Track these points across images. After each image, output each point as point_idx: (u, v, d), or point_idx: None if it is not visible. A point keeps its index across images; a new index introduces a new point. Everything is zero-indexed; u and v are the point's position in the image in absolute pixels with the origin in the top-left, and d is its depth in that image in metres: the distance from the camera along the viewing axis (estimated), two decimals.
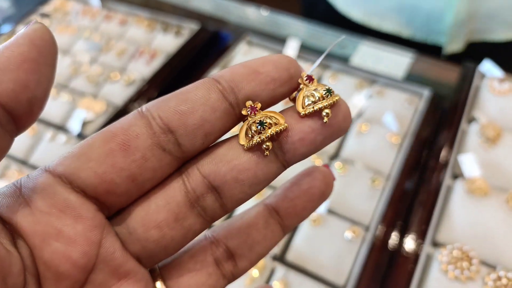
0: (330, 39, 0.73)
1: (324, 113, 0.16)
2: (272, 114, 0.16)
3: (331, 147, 0.64)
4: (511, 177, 0.56)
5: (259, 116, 0.16)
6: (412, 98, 0.67)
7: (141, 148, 0.15)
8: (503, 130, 0.60)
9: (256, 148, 0.16)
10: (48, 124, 0.71)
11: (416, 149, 0.61)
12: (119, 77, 0.76)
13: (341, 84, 0.70)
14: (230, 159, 0.16)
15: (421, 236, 0.51)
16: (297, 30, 0.79)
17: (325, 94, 0.16)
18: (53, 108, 0.71)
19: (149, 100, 0.68)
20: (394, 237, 0.52)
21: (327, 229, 0.56)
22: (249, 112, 0.16)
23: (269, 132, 0.16)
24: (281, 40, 0.75)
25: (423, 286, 0.48)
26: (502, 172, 0.56)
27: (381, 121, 0.65)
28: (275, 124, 0.16)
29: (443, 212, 0.54)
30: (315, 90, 0.17)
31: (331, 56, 0.73)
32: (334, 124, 0.16)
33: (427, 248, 0.51)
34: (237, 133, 0.17)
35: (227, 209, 0.17)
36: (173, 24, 0.84)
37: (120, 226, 0.16)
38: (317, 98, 0.16)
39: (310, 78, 0.17)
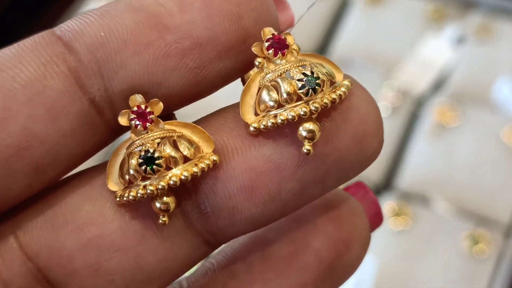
0: None
1: (303, 132, 0.11)
2: (186, 132, 0.12)
3: (372, 168, 0.38)
4: None
5: (154, 135, 0.12)
6: None
7: None
8: None
9: (141, 204, 0.13)
10: None
11: None
12: None
13: (395, 14, 0.55)
14: (85, 223, 0.12)
15: None
16: None
17: (302, 88, 0.11)
18: None
19: None
20: None
21: None
22: (133, 124, 0.12)
23: (169, 179, 0.11)
24: None
25: None
26: None
27: (488, 98, 0.48)
28: (186, 158, 0.12)
29: None
30: (284, 73, 0.12)
31: None
32: (328, 155, 0.12)
33: None
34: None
35: None
36: None
37: None
38: (283, 95, 0.11)
39: (277, 45, 0.12)
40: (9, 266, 0.12)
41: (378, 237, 0.43)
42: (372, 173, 0.47)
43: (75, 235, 0.12)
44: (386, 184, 0.48)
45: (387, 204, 0.46)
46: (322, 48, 0.49)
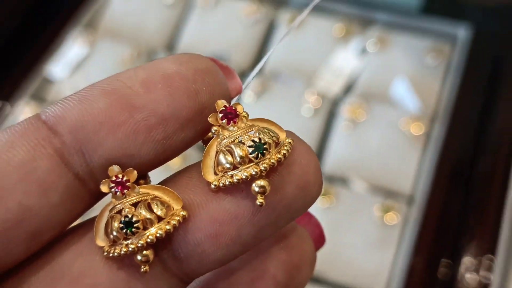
0: None
1: (256, 188, 0.12)
2: (158, 194, 0.13)
3: None
4: None
5: (132, 200, 0.13)
6: (440, 45, 0.54)
7: None
8: None
9: (125, 257, 0.13)
10: None
11: (457, 140, 0.48)
12: None
13: (310, 35, 0.57)
14: (78, 276, 0.13)
15: None
16: None
17: (252, 153, 0.12)
18: None
19: None
20: None
21: None
22: (113, 191, 0.13)
23: (146, 238, 0.12)
24: None
25: None
26: None
27: (388, 96, 0.52)
28: (159, 218, 0.12)
29: None
30: (238, 140, 0.13)
31: None
32: (278, 203, 0.13)
33: None
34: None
35: None
36: None
37: None
38: (237, 159, 0.12)
39: (229, 114, 0.13)
40: None
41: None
42: None
43: (72, 287, 0.12)
44: None
45: None
46: (256, 63, 0.52)
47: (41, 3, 0.59)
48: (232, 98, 0.13)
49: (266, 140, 0.12)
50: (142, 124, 0.12)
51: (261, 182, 0.12)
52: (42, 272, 0.13)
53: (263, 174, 0.12)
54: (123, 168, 0.12)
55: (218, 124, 0.12)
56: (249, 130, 0.12)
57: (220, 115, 0.12)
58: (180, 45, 0.57)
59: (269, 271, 0.14)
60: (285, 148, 0.12)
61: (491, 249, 0.41)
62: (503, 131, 0.46)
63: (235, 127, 0.12)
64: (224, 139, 0.12)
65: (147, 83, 0.12)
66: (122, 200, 0.12)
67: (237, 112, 0.12)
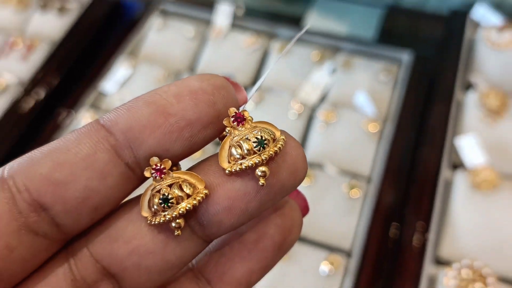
0: None
1: (258, 173, 0.12)
2: (187, 177, 0.13)
3: None
4: None
5: (167, 182, 0.12)
6: (389, 67, 0.55)
7: (2, 235, 0.12)
8: (509, 97, 0.49)
9: (163, 224, 0.13)
10: None
11: (402, 136, 0.48)
12: None
13: (294, 59, 0.57)
14: (129, 238, 0.13)
15: (420, 254, 0.40)
16: None
17: (256, 147, 0.12)
18: None
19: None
20: (385, 261, 0.42)
21: (297, 264, 0.45)
22: (153, 176, 0.12)
23: (179, 210, 0.12)
24: (208, 5, 0.59)
25: None
26: None
27: (352, 104, 0.53)
28: (188, 195, 0.12)
29: (444, 217, 0.44)
30: (245, 137, 0.12)
31: (278, 19, 0.60)
32: (275, 184, 0.13)
33: (428, 268, 0.41)
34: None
35: None
36: None
37: None
38: (245, 151, 0.12)
39: (239, 118, 0.13)
40: (85, 267, 0.13)
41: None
42: None
43: (124, 246, 0.13)
44: None
45: None
46: (255, 81, 0.55)
47: (97, 37, 0.59)
48: (240, 106, 0.13)
49: (266, 137, 0.12)
50: (175, 126, 0.12)
51: (262, 168, 0.12)
52: (103, 235, 0.13)
53: (264, 162, 0.12)
54: (161, 158, 0.12)
55: (231, 126, 0.13)
56: (253, 130, 0.12)
57: (232, 119, 0.12)
58: (199, 68, 0.58)
59: (268, 233, 0.14)
60: (280, 143, 0.12)
61: (428, 215, 0.41)
62: (436, 129, 0.46)
63: (243, 128, 0.12)
64: (235, 137, 0.12)
65: (178, 96, 0.12)
66: (160, 183, 0.12)
67: (245, 117, 0.12)
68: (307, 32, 0.59)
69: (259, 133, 0.12)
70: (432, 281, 0.41)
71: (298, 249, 0.45)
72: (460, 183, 0.44)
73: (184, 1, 0.61)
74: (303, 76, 0.54)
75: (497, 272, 0.40)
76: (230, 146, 0.12)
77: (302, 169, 0.13)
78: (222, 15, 0.57)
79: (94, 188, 0.12)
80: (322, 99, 0.54)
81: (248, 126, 0.12)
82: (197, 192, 0.12)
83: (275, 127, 0.13)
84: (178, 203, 0.12)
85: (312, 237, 0.45)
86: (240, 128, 0.12)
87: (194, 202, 0.12)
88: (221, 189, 0.12)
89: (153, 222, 0.12)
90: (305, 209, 0.15)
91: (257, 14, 0.61)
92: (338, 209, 0.46)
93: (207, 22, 0.59)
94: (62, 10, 0.59)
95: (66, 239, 0.13)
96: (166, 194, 0.12)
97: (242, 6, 0.60)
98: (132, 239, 0.13)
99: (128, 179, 0.13)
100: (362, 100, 0.51)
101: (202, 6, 0.59)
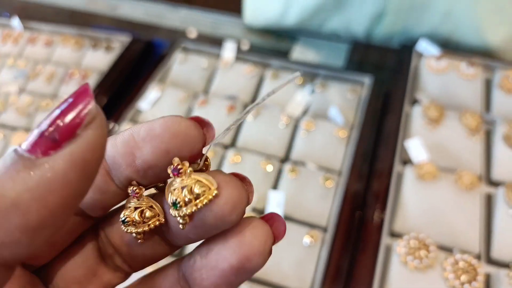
0: (272, 36, 0.60)
1: (179, 219, 0.11)
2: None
3: (279, 150, 0.51)
4: (456, 156, 0.46)
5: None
6: (354, 87, 0.55)
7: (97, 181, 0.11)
8: (445, 109, 0.51)
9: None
10: None
11: (364, 140, 0.49)
12: (52, 105, 0.55)
13: (282, 83, 0.54)
14: None
15: (378, 229, 0.41)
16: (235, 31, 0.64)
17: (176, 200, 0.11)
18: None
19: None
20: (352, 234, 0.42)
21: (285, 237, 0.43)
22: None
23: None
24: (218, 43, 0.59)
25: (385, 280, 0.40)
26: (448, 152, 0.46)
27: (327, 116, 0.53)
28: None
29: (396, 201, 0.43)
30: (178, 187, 0.11)
31: (271, 53, 0.62)
32: (206, 219, 0.11)
33: (385, 239, 0.42)
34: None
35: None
36: (102, 38, 0.61)
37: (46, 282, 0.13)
38: (173, 200, 0.11)
39: (174, 172, 0.11)
40: (105, 241, 0.13)
41: (284, 183, 0.45)
42: (278, 152, 0.49)
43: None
44: (286, 157, 0.49)
45: (287, 167, 0.47)
46: (254, 99, 0.56)
47: (134, 68, 0.61)
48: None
49: (195, 190, 0.10)
50: (140, 167, 0.11)
51: (183, 214, 0.11)
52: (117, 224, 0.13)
53: (184, 216, 0.11)
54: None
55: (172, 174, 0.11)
56: (185, 184, 0.11)
57: (170, 170, 0.11)
58: (211, 90, 0.58)
59: (226, 256, 0.11)
60: (204, 201, 0.11)
61: (385, 199, 0.43)
62: (390, 134, 0.48)
63: (179, 179, 0.11)
64: (174, 183, 0.11)
65: (143, 141, 0.11)
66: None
67: (181, 170, 0.11)
68: (293, 62, 0.58)
69: (191, 185, 0.11)
70: (388, 249, 0.43)
71: (287, 226, 0.48)
72: (408, 175, 0.46)
73: (200, 40, 0.65)
74: (289, 96, 0.55)
75: (436, 242, 0.42)
76: (169, 191, 0.11)
77: (240, 211, 0.11)
78: (229, 50, 0.59)
79: (97, 197, 0.12)
80: (304, 112, 0.54)
81: (184, 178, 0.11)
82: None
83: (212, 180, 0.11)
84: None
85: (297, 217, 0.46)
86: (176, 179, 0.11)
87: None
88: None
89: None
90: (281, 234, 0.12)
91: (255, 48, 0.63)
92: (317, 196, 0.46)
93: (217, 56, 0.61)
94: (108, 48, 0.62)
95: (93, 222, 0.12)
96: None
97: (247, 42, 0.63)
98: None
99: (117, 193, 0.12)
100: (334, 113, 0.52)
101: (214, 43, 0.62)
